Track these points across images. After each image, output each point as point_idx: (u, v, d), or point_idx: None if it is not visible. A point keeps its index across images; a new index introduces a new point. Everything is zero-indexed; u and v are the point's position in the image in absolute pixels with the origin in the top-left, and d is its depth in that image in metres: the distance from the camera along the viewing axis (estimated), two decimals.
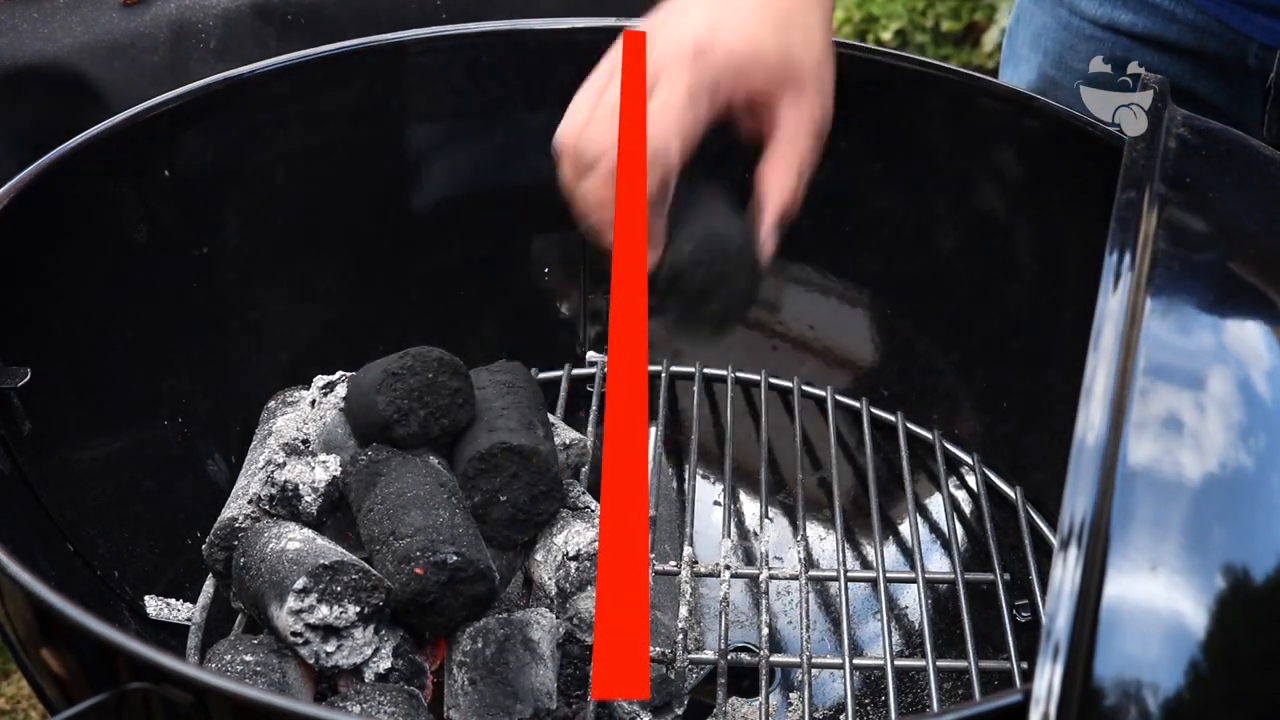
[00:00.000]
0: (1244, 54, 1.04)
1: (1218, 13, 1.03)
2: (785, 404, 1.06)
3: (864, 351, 1.10)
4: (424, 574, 0.75)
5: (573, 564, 0.83)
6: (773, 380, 1.07)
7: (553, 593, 0.83)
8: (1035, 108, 0.97)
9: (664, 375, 1.06)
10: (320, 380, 0.88)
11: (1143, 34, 1.06)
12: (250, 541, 0.79)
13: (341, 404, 0.87)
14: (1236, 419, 0.66)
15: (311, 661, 0.74)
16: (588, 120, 0.75)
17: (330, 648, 0.74)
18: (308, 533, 0.79)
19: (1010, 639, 0.87)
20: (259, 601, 0.76)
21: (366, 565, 0.75)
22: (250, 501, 0.83)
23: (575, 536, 0.83)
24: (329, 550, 0.76)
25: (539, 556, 0.84)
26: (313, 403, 0.88)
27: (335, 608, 0.74)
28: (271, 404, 0.93)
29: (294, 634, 0.74)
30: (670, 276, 0.76)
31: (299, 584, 0.74)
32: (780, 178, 0.77)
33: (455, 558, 0.75)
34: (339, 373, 0.88)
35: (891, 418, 1.04)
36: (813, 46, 0.78)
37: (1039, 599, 0.90)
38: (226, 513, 0.84)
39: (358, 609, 0.74)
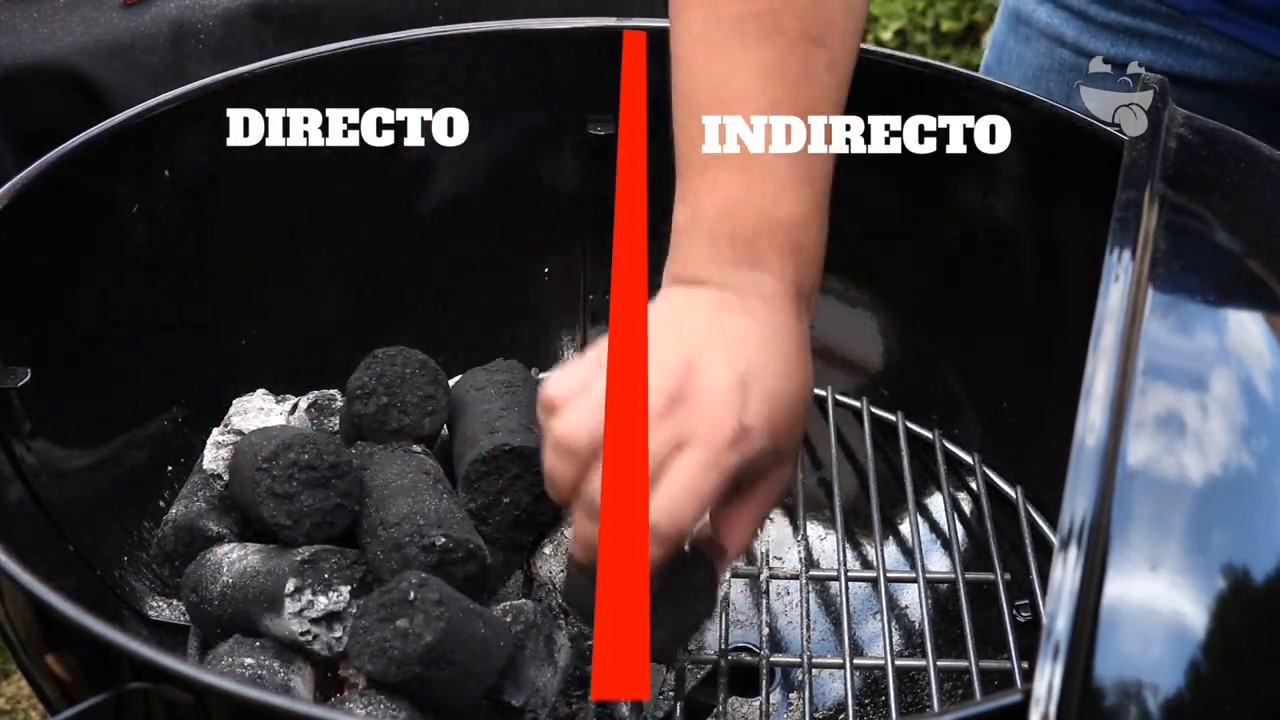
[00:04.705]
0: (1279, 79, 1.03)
1: (1263, 44, 1.02)
2: None
3: (864, 351, 1.10)
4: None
5: None
6: None
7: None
8: (1035, 108, 0.97)
9: None
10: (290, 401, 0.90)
11: (1163, 71, 1.04)
12: (204, 575, 0.79)
13: (308, 407, 0.89)
14: (1237, 419, 0.65)
15: (326, 653, 0.75)
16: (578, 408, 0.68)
17: (338, 633, 0.75)
18: (254, 545, 0.80)
19: (1010, 639, 0.87)
20: (240, 624, 0.77)
21: (331, 546, 0.76)
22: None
23: None
24: (295, 550, 0.77)
25: (548, 550, 0.84)
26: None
27: (330, 594, 0.75)
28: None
29: (303, 634, 0.74)
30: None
31: (290, 586, 0.74)
32: (743, 530, 0.72)
33: (443, 539, 0.75)
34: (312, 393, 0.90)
35: (891, 418, 1.04)
36: (807, 403, 0.71)
37: (1039, 599, 0.90)
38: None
39: (349, 587, 0.75)
